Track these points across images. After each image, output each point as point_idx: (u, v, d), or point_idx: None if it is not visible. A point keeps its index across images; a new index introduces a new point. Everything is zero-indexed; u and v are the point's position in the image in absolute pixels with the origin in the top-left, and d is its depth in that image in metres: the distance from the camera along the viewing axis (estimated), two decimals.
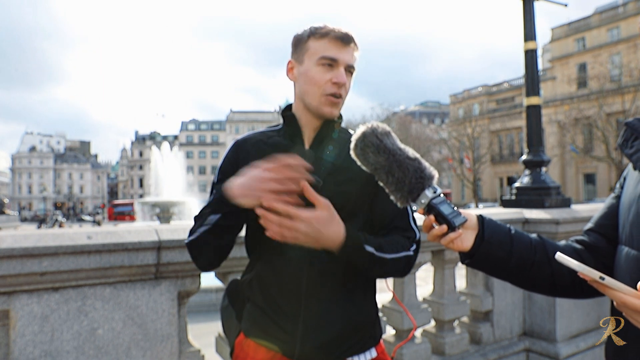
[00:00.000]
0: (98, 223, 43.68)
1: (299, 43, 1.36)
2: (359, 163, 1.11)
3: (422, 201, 1.06)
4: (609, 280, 0.89)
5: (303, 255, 1.26)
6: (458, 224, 1.05)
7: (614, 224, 1.17)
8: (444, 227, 1.06)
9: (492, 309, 3.07)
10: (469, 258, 1.15)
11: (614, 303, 0.91)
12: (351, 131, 1.43)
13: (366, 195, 1.33)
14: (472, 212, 1.15)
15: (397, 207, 1.18)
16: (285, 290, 1.30)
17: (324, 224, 1.14)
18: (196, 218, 1.29)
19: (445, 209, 1.05)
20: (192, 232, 1.28)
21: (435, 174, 1.08)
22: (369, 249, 1.21)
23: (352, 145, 1.10)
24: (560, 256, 0.95)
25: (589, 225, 1.25)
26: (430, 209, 1.06)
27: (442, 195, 1.07)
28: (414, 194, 1.06)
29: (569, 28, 39.46)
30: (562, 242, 1.24)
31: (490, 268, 1.17)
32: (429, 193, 1.05)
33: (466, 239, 1.12)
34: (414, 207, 1.14)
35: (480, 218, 1.15)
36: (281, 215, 1.11)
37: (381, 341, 1.43)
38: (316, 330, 1.28)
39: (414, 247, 1.32)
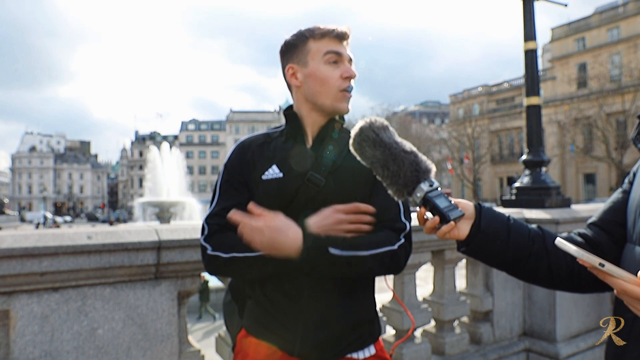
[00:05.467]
0: (110, 223, 43.91)
1: (295, 48, 1.36)
2: (358, 158, 1.11)
3: (418, 194, 1.04)
4: (609, 266, 0.86)
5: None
6: (453, 218, 1.03)
7: (618, 220, 1.15)
8: (437, 219, 1.03)
9: (492, 309, 3.07)
10: (464, 246, 1.13)
11: (614, 291, 0.88)
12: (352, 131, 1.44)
13: (366, 194, 1.33)
14: (469, 202, 1.14)
15: (389, 201, 1.20)
16: (286, 288, 1.31)
17: (277, 232, 1.15)
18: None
19: (441, 202, 1.03)
20: (235, 247, 1.25)
21: (433, 167, 1.07)
22: (334, 251, 1.18)
23: (350, 140, 1.11)
24: (560, 242, 0.92)
25: (593, 218, 1.23)
26: (425, 202, 1.04)
27: (439, 189, 1.05)
28: (409, 187, 1.04)
29: (569, 28, 39.45)
30: (564, 234, 1.22)
31: (486, 257, 1.16)
32: (424, 186, 1.04)
33: (462, 228, 1.09)
34: (411, 202, 1.13)
35: (478, 207, 1.13)
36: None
37: (380, 339, 1.44)
38: (316, 328, 1.28)
39: (402, 241, 1.28)
